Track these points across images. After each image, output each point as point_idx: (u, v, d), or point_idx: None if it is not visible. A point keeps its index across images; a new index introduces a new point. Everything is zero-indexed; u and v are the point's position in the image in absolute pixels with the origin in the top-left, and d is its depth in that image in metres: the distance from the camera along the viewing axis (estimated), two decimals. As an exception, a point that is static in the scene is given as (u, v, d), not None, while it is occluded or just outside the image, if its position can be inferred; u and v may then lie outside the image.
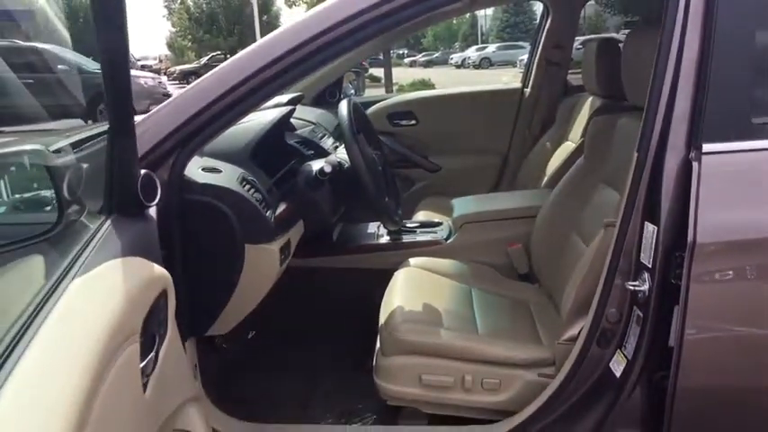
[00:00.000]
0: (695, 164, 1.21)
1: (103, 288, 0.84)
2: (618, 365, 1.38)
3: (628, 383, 1.35)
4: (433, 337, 1.65)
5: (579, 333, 1.46)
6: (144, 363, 0.88)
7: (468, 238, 2.31)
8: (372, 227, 2.49)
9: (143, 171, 1.13)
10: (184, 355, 1.21)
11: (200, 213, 1.44)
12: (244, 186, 1.54)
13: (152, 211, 1.19)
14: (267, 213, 1.57)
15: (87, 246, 0.92)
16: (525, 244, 2.23)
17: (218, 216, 1.45)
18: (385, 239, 2.38)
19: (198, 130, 1.36)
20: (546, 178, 2.64)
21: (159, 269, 1.02)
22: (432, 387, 1.64)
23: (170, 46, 37.93)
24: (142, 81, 11.75)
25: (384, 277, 2.01)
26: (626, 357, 1.36)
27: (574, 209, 1.97)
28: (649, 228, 1.29)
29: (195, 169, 1.48)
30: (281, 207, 1.75)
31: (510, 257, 2.26)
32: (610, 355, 1.40)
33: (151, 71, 20.84)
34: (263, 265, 1.56)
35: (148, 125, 1.35)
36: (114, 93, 1.02)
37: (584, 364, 1.43)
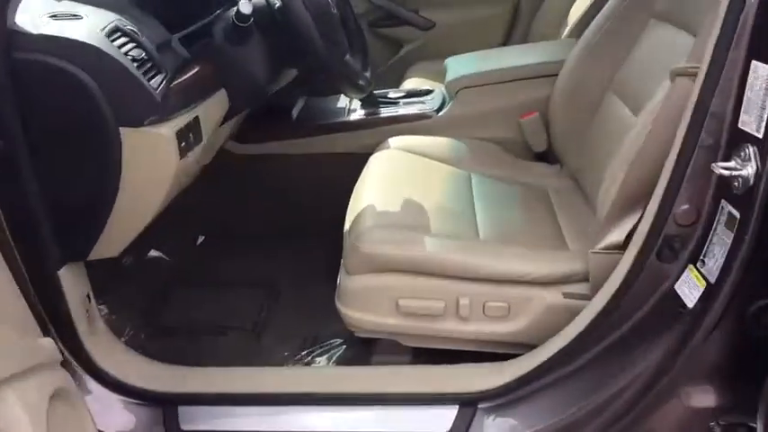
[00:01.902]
0: None
1: None
2: (690, 290, 1.05)
3: (706, 318, 1.01)
4: (415, 248, 1.33)
5: (627, 238, 1.15)
6: None
7: (467, 107, 1.96)
8: (344, 100, 2.13)
9: None
10: None
11: (43, 82, 1.06)
12: (113, 41, 1.10)
13: None
14: (153, 81, 1.13)
15: None
16: (542, 112, 1.88)
17: (72, 86, 1.06)
18: (359, 115, 2.02)
19: None
20: (569, 26, 2.20)
21: None
22: (414, 315, 1.33)
23: None
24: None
25: (358, 164, 1.74)
26: (704, 278, 1.02)
27: (612, 61, 1.61)
28: (760, 70, 0.89)
29: (40, 17, 1.09)
30: (189, 72, 1.27)
31: (522, 131, 1.92)
32: (677, 272, 1.07)
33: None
34: (151, 159, 1.14)
35: None
36: None
37: (637, 285, 1.11)
